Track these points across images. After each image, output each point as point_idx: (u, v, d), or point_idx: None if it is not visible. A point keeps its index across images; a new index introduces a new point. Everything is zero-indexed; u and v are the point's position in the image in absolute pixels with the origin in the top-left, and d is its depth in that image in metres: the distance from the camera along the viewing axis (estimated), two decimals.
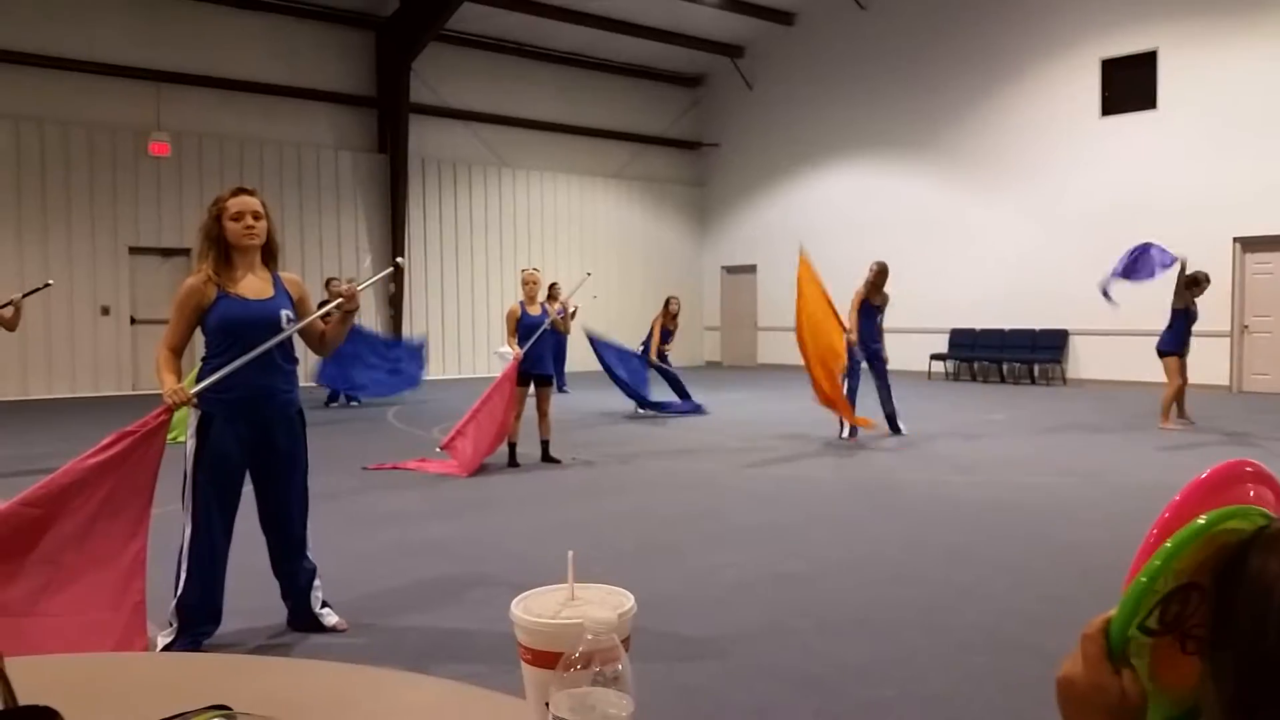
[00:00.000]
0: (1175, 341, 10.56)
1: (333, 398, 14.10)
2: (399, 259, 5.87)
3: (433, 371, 18.99)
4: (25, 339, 14.96)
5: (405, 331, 18.66)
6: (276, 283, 4.06)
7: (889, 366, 10.40)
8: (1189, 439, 9.88)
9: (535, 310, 8.53)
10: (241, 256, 3.98)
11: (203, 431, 3.90)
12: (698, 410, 12.61)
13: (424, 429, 11.25)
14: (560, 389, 14.86)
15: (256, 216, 3.95)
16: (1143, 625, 0.76)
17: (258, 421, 3.97)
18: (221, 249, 3.94)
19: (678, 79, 22.73)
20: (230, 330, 3.91)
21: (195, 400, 3.85)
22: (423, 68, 18.26)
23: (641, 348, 13.11)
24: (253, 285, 3.98)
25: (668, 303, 13.36)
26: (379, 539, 5.94)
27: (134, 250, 16.01)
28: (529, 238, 20.41)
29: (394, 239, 18.44)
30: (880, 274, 10.20)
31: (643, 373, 12.78)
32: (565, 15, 18.50)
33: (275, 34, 17.30)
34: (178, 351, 3.96)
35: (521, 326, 8.46)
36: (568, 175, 21.13)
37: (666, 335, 13.27)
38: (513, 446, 8.56)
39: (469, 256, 19.73)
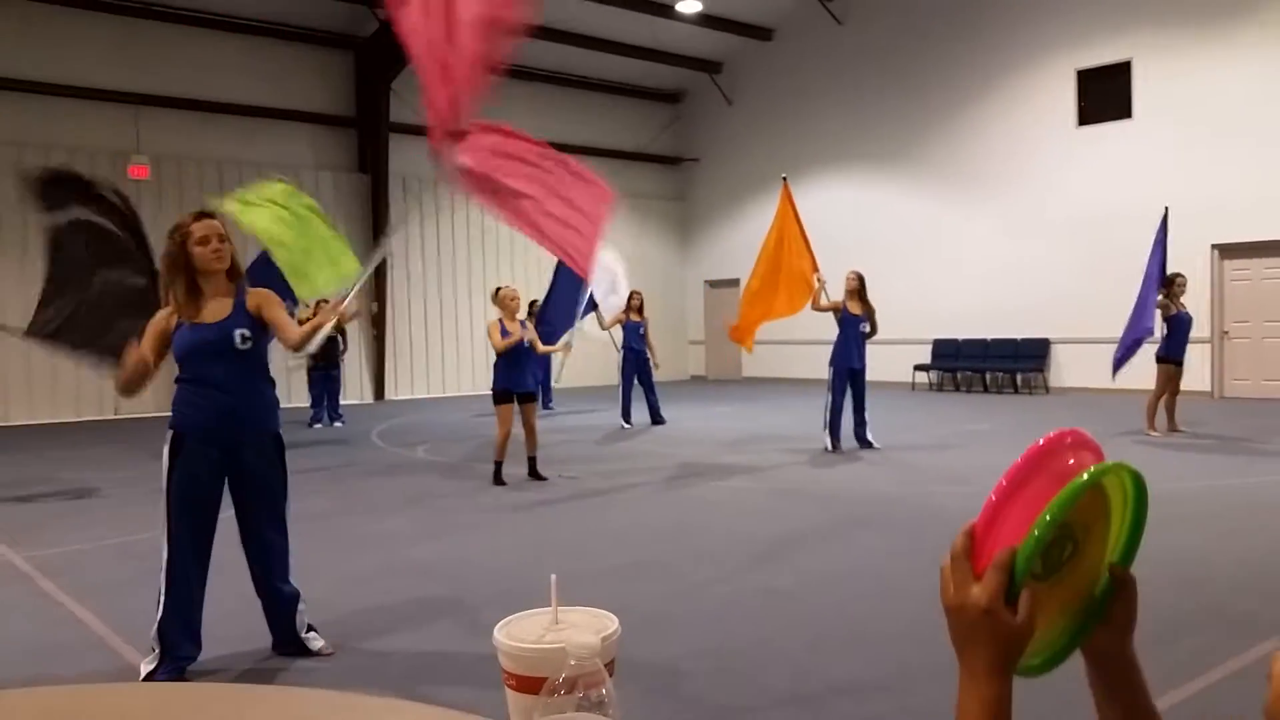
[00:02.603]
0: (1162, 347, 10.62)
1: (315, 418, 14.03)
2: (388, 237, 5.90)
3: (416, 390, 18.99)
4: (5, 366, 14.87)
5: (388, 348, 18.63)
6: (237, 303, 3.97)
7: (868, 378, 10.43)
8: (1173, 443, 9.92)
9: (514, 328, 8.52)
10: (208, 281, 3.94)
11: (174, 452, 3.88)
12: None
13: (408, 447, 11.21)
14: (546, 406, 14.83)
15: (221, 239, 3.92)
16: (1033, 570, 0.84)
17: (228, 445, 3.92)
18: (188, 275, 3.90)
19: (658, 95, 22.81)
20: (183, 356, 3.91)
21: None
22: (402, 87, 18.25)
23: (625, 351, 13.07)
24: (212, 309, 3.93)
25: (630, 297, 13.23)
26: (365, 561, 5.91)
27: None
28: (511, 256, 20.40)
29: None
30: (856, 282, 10.26)
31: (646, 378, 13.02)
32: (545, 34, 18.53)
33: (254, 55, 17.29)
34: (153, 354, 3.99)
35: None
36: None
37: (633, 330, 13.09)
38: (499, 465, 8.54)
39: (451, 275, 19.71)
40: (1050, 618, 0.88)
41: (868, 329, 10.25)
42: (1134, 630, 0.93)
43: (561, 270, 11.13)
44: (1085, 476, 0.83)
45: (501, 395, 8.48)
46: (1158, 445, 9.87)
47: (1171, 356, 10.57)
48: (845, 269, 10.61)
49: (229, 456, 3.93)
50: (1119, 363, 10.64)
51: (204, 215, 3.97)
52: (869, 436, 10.27)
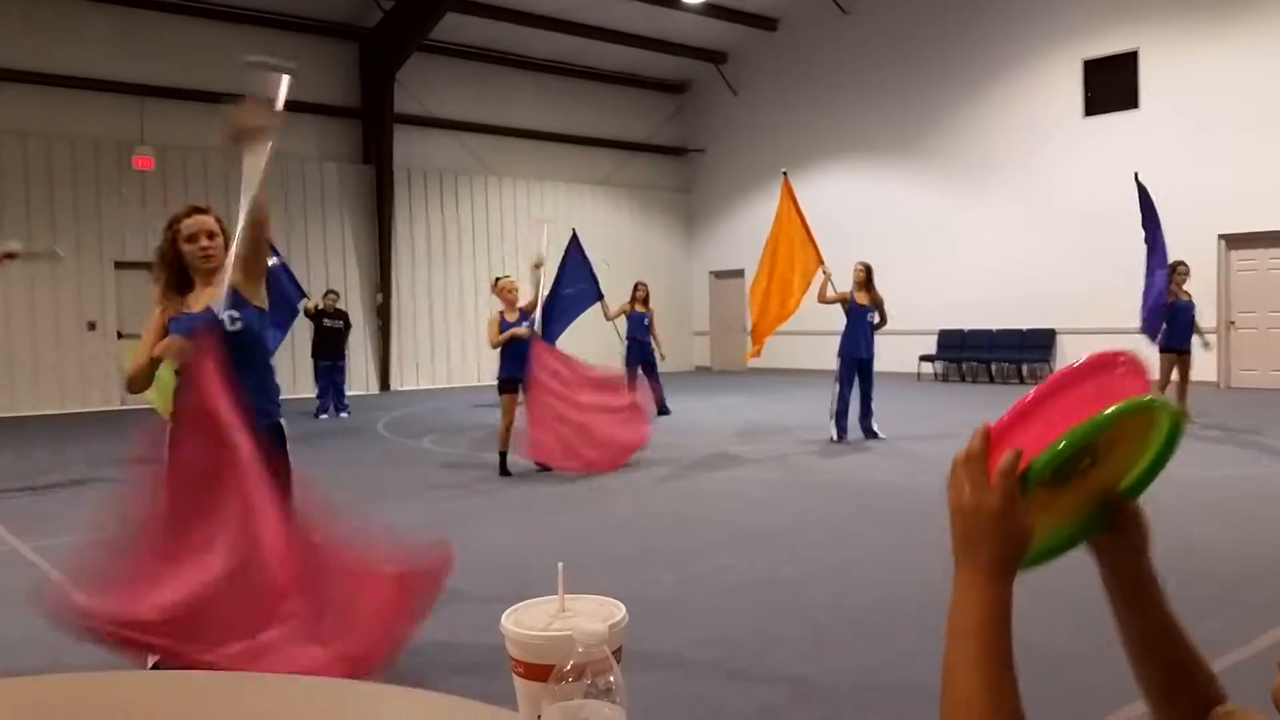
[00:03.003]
0: (1163, 337, 10.40)
1: (322, 409, 14.05)
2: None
3: (421, 381, 19.00)
4: (12, 356, 14.91)
5: (393, 340, 18.64)
6: (227, 290, 3.73)
7: (875, 367, 10.42)
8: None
9: (513, 317, 8.56)
10: (199, 276, 3.80)
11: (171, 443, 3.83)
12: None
13: (414, 438, 11.23)
14: None
15: (211, 236, 3.77)
16: (1044, 477, 0.85)
17: None
18: (176, 271, 3.78)
19: (663, 85, 22.76)
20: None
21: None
22: (407, 78, 18.24)
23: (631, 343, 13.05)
24: (200, 299, 3.77)
25: (635, 288, 13.23)
26: None
27: (120, 265, 15.94)
28: (516, 246, 20.37)
29: (381, 249, 18.40)
30: (864, 274, 10.25)
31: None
32: (549, 24, 18.51)
33: (259, 46, 17.15)
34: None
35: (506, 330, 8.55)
36: (554, 183, 21.13)
37: (637, 321, 13.09)
38: (503, 455, 8.54)
39: (456, 266, 19.71)
40: (1046, 520, 0.88)
41: (875, 319, 10.23)
42: (1149, 548, 0.95)
43: (569, 256, 11.27)
44: (1146, 399, 0.84)
45: (505, 385, 8.49)
46: None
47: (1172, 346, 10.38)
48: (851, 259, 10.60)
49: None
50: (1151, 331, 10.42)
51: (196, 210, 3.85)
52: (875, 427, 10.26)
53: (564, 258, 11.24)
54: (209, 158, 16.81)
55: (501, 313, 8.60)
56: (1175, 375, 10.36)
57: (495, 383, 8.81)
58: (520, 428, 8.28)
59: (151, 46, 16.15)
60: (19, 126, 15.15)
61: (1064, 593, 4.58)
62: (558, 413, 8.28)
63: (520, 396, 8.52)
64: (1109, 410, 0.83)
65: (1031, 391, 0.87)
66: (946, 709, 0.88)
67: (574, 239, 11.30)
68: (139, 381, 3.83)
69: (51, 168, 15.39)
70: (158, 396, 4.53)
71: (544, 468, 8.48)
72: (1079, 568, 1.04)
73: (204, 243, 3.74)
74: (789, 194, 10.36)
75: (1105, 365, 0.88)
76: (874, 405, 10.35)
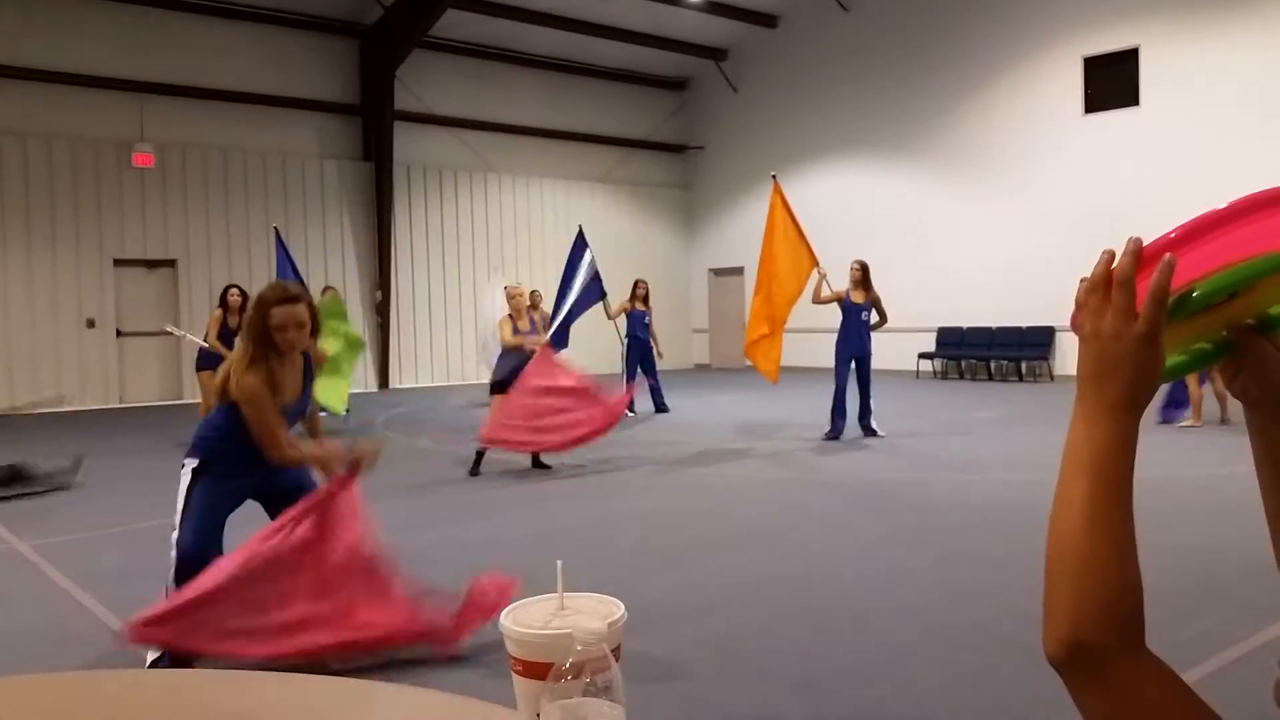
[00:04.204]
0: None
1: (321, 407, 14.02)
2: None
3: (420, 379, 19.00)
4: (11, 353, 14.91)
5: (393, 337, 18.64)
6: (305, 369, 4.04)
7: (875, 366, 10.41)
8: (1189, 433, 9.82)
9: (524, 325, 8.65)
10: (284, 356, 3.95)
11: (199, 472, 3.89)
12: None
13: (413, 436, 11.23)
14: None
15: (300, 327, 3.87)
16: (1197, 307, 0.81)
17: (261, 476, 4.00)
18: (266, 349, 3.87)
19: (662, 83, 22.75)
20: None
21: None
22: (407, 75, 18.23)
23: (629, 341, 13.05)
24: (289, 385, 3.96)
25: (635, 286, 13.23)
26: None
27: (119, 262, 15.93)
28: (516, 243, 20.40)
29: (380, 247, 18.40)
30: (860, 272, 10.23)
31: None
32: (549, 20, 18.50)
33: (258, 43, 17.25)
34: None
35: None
36: (554, 180, 21.12)
37: (637, 319, 13.10)
38: (479, 455, 8.47)
39: (455, 263, 19.70)
40: (1173, 341, 0.84)
41: (874, 319, 10.22)
42: None
43: (574, 254, 11.36)
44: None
45: (496, 386, 8.53)
46: (1170, 434, 9.80)
47: None
48: (850, 257, 10.59)
49: (261, 480, 4.01)
50: None
51: (286, 299, 3.89)
52: (873, 424, 10.26)
53: (570, 256, 11.29)
54: (209, 155, 16.81)
55: (511, 316, 8.68)
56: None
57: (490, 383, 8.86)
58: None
59: (151, 44, 16.14)
60: (19, 125, 15.13)
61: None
62: (531, 411, 8.21)
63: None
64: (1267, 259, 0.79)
65: (1204, 214, 0.83)
66: (1056, 544, 0.82)
67: (579, 237, 11.33)
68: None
69: (51, 165, 15.38)
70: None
71: (481, 454, 8.40)
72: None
73: (291, 335, 3.85)
74: (780, 198, 10.15)
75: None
76: (874, 403, 10.34)
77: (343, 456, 3.90)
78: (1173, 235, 0.82)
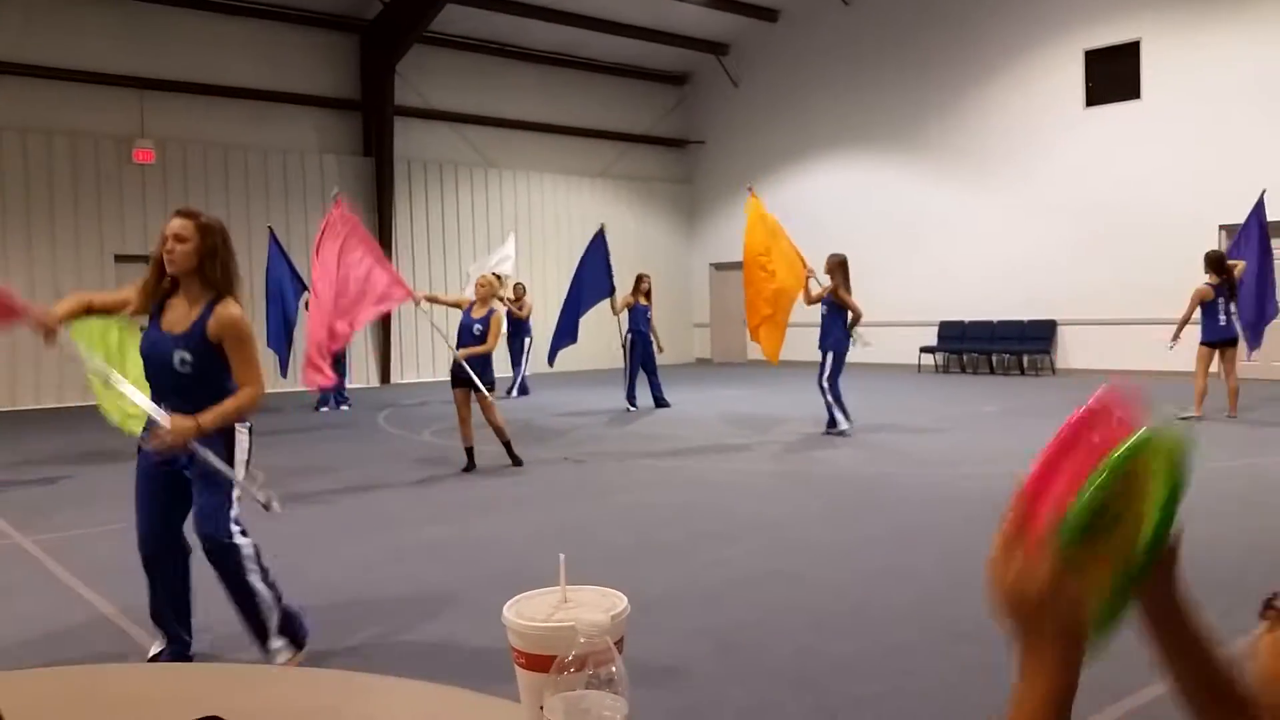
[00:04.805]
0: (1201, 331, 10.32)
1: (322, 402, 14.02)
2: None
3: (422, 374, 19.00)
4: (13, 348, 14.90)
5: (394, 332, 18.65)
6: (199, 319, 3.60)
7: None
8: (1213, 425, 9.76)
9: (478, 313, 8.58)
10: (183, 281, 3.66)
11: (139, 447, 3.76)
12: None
13: (414, 431, 11.23)
14: (516, 393, 14.88)
15: (179, 239, 3.58)
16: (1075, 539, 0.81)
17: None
18: (160, 272, 3.65)
19: (663, 77, 22.72)
20: (142, 361, 3.74)
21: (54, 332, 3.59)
22: (407, 70, 18.21)
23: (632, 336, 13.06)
24: (175, 316, 3.65)
25: (638, 280, 13.23)
26: (373, 543, 5.93)
27: (120, 258, 15.92)
28: (516, 238, 20.36)
29: (381, 242, 18.37)
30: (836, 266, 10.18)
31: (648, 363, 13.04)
32: (549, 15, 18.47)
33: (258, 39, 17.23)
34: (101, 302, 3.79)
35: (460, 326, 8.69)
36: (554, 175, 21.10)
37: (640, 313, 13.11)
38: (470, 451, 8.46)
39: (456, 257, 19.68)
40: (1095, 581, 0.83)
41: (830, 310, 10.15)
42: (1177, 568, 0.91)
43: (592, 250, 11.66)
44: (1131, 443, 0.81)
45: (453, 380, 8.51)
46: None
47: (1203, 339, 10.37)
48: (852, 251, 10.58)
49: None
50: (1251, 340, 10.58)
51: (178, 214, 3.69)
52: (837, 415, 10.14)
53: (586, 251, 11.59)
54: (209, 151, 16.80)
55: (473, 304, 8.67)
56: (1215, 368, 10.35)
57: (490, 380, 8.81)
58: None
59: (151, 40, 16.12)
60: (20, 121, 15.12)
61: None
62: (338, 291, 8.04)
63: (472, 396, 8.38)
64: (1102, 467, 0.80)
65: (1052, 440, 0.84)
66: None
67: (600, 234, 11.64)
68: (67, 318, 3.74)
69: (52, 161, 15.37)
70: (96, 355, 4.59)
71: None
72: None
73: (169, 245, 3.59)
74: (758, 210, 10.07)
75: (1104, 412, 0.84)
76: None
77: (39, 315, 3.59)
78: (1038, 467, 0.84)
